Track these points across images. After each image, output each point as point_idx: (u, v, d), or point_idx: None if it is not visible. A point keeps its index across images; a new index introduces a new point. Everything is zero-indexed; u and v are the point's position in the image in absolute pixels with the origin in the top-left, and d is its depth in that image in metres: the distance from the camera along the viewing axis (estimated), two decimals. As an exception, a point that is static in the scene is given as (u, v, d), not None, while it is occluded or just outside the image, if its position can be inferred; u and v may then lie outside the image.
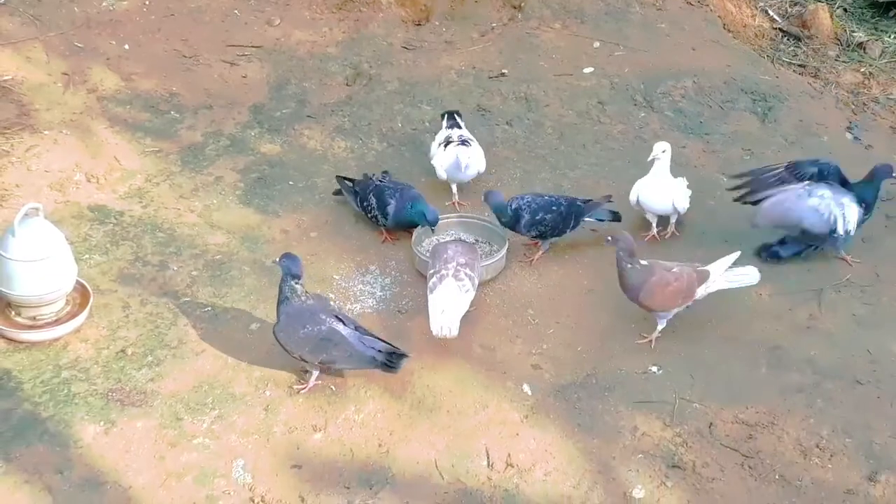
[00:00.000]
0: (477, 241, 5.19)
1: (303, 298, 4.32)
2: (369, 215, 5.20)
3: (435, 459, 4.11)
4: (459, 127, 5.60)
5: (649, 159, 5.18)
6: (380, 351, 4.27)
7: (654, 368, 4.56)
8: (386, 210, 5.10)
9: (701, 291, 4.61)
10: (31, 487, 3.86)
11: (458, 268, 4.63)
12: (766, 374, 4.55)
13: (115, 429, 4.11)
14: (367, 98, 6.37)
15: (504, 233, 5.16)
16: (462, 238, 5.17)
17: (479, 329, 4.74)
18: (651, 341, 4.66)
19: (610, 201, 5.28)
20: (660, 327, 4.66)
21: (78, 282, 4.60)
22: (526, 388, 4.44)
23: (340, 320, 4.33)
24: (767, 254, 5.16)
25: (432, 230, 5.05)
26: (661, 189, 5.20)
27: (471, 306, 4.74)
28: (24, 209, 4.41)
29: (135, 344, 4.51)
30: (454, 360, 4.55)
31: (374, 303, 4.87)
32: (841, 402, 4.40)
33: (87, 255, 4.95)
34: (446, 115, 5.69)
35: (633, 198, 5.26)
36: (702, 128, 6.21)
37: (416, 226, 5.16)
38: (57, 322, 4.51)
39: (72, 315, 4.54)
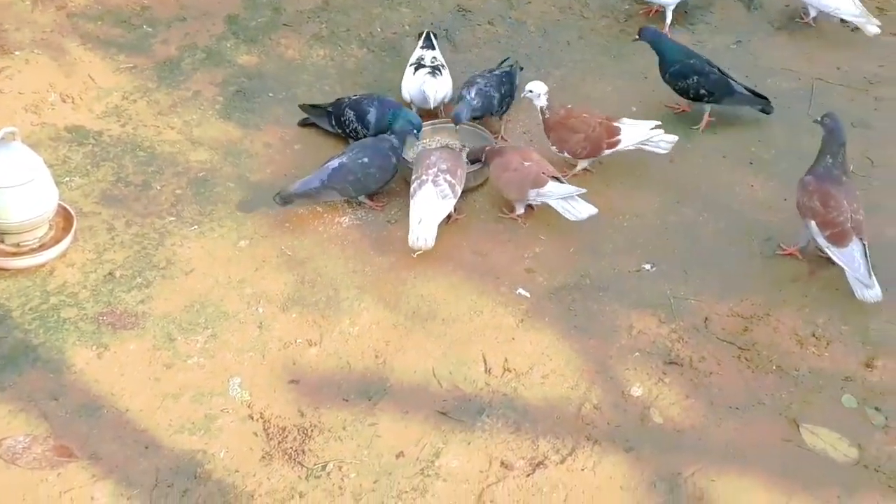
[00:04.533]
0: (464, 146, 5.10)
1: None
2: (348, 130, 5.07)
3: (432, 367, 4.10)
4: (433, 48, 5.44)
5: None
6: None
7: (648, 266, 4.54)
8: (366, 119, 4.99)
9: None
10: (27, 415, 3.82)
11: (439, 173, 4.57)
12: (760, 265, 4.53)
13: (109, 352, 4.08)
14: (343, 3, 6.21)
15: (490, 137, 5.08)
16: (449, 144, 5.08)
17: (470, 235, 4.70)
18: (515, 218, 4.76)
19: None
20: (519, 211, 4.76)
21: (60, 205, 4.52)
22: (521, 291, 4.41)
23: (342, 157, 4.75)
24: None
25: (416, 137, 4.95)
26: None
27: (460, 213, 4.70)
28: (0, 133, 4.30)
29: (122, 266, 4.45)
30: (447, 268, 4.52)
31: (364, 213, 4.80)
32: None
33: (67, 178, 4.86)
34: (423, 35, 5.53)
35: None
36: (687, 18, 6.10)
37: None
38: (41, 247, 4.43)
39: (56, 240, 4.47)
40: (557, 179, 4.62)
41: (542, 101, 4.87)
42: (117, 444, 3.76)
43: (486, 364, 4.11)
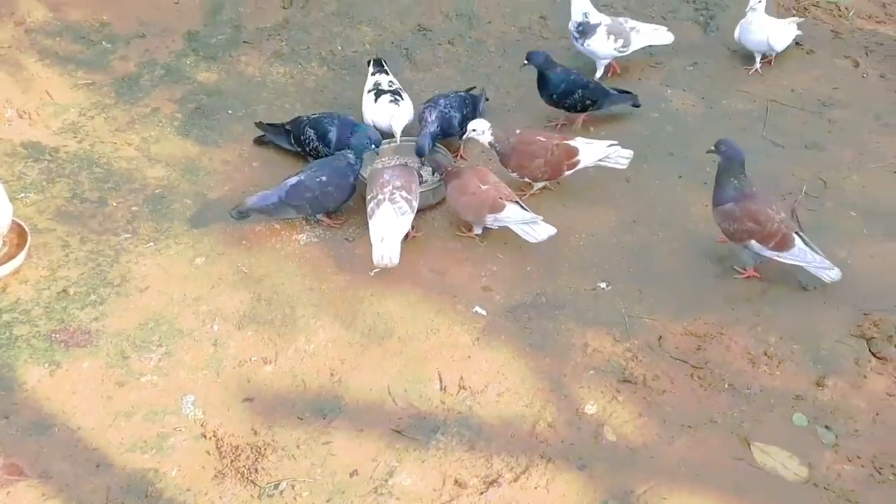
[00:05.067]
0: (422, 165, 5.11)
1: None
2: (308, 148, 5.07)
3: (388, 385, 4.10)
4: (386, 73, 5.43)
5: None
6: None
7: (603, 285, 4.56)
8: (327, 138, 4.99)
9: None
10: (-23, 434, 3.80)
11: (394, 191, 4.58)
12: (714, 284, 4.57)
13: (61, 370, 4.05)
14: (304, 21, 6.22)
15: (449, 156, 5.10)
16: (405, 163, 5.09)
17: (427, 253, 4.71)
18: (473, 237, 4.79)
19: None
20: (476, 231, 4.78)
21: (14, 221, 4.48)
22: (477, 309, 4.42)
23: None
24: None
25: (377, 153, 4.96)
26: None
27: (418, 231, 4.72)
28: (-47, 150, 4.28)
29: (77, 283, 4.42)
30: (404, 286, 4.52)
31: (321, 231, 4.80)
32: (788, 309, 4.44)
33: (22, 194, 4.83)
34: (372, 62, 5.53)
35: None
36: (645, 40, 6.14)
37: None
38: (-5, 264, 4.41)
39: (9, 256, 4.43)
40: (517, 203, 4.63)
41: (487, 138, 4.88)
42: (68, 463, 3.73)
43: (441, 382, 4.12)
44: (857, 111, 5.68)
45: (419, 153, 4.96)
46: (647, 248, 4.76)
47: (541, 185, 5.01)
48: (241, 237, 4.71)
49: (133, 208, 4.84)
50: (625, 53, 5.79)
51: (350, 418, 3.97)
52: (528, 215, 4.60)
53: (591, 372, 4.18)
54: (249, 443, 3.84)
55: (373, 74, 5.40)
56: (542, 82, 5.40)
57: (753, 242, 4.43)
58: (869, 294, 4.51)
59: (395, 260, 4.45)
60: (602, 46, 5.72)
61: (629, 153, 4.95)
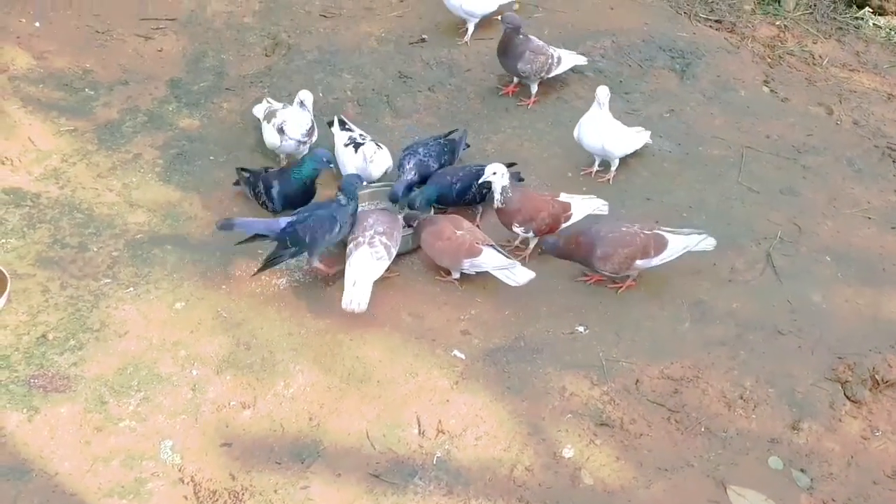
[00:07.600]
0: (403, 209, 5.15)
1: None
2: (260, 202, 5.07)
3: (366, 430, 4.12)
4: (351, 129, 5.47)
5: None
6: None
7: (581, 328, 4.60)
8: (271, 193, 4.98)
9: (466, 265, 4.70)
10: (-46, 479, 3.79)
11: (375, 235, 4.62)
12: (690, 328, 4.62)
13: (39, 416, 4.05)
14: (286, 68, 6.29)
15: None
16: (387, 207, 5.13)
17: (407, 297, 4.74)
18: (452, 281, 4.81)
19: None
20: (455, 276, 4.81)
21: (-6, 268, 4.51)
22: (456, 353, 4.45)
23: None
24: None
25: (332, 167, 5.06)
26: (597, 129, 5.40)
27: (394, 272, 4.75)
28: (-66, 196, 4.30)
29: (56, 328, 4.43)
30: (383, 330, 4.55)
31: (301, 276, 4.83)
32: (763, 353, 4.49)
33: (2, 240, 4.85)
34: (336, 122, 5.54)
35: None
36: (622, 87, 6.23)
37: (308, 197, 5.01)
38: (-26, 310, 4.41)
39: (-11, 302, 4.45)
40: (492, 247, 4.67)
41: (503, 181, 4.81)
42: (45, 508, 3.73)
43: (420, 426, 4.14)
44: (831, 157, 5.77)
45: (394, 198, 5.00)
46: (624, 292, 4.80)
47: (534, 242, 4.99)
48: (221, 282, 4.74)
49: (113, 253, 4.86)
50: None
51: (328, 463, 3.98)
52: (506, 260, 4.64)
53: (569, 415, 4.21)
54: (227, 488, 3.85)
55: (342, 131, 5.45)
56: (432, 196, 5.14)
57: (638, 262, 4.62)
58: (843, 338, 4.58)
59: (364, 306, 4.47)
60: None
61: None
